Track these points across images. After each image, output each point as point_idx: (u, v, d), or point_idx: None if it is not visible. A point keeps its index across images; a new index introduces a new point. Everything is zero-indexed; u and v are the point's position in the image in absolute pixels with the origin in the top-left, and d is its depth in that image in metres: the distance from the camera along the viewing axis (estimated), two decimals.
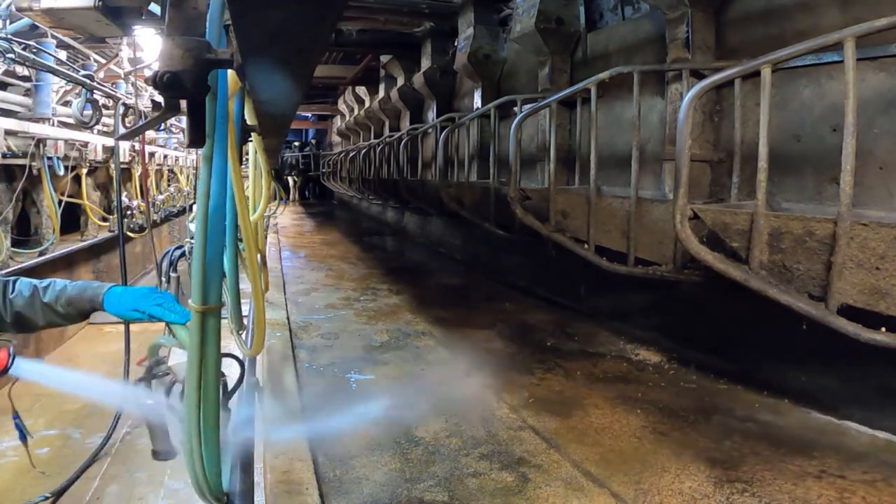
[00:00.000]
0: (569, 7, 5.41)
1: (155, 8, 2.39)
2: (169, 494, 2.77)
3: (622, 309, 4.96)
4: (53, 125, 6.44)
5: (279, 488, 2.40)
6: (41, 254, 5.79)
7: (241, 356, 1.84)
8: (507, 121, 5.45)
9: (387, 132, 11.21)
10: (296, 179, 24.59)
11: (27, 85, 5.98)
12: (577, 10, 5.41)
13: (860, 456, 2.72)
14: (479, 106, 6.93)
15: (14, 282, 1.58)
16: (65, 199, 6.69)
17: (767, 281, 2.60)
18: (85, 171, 8.14)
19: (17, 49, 3.84)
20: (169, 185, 11.06)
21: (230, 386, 1.74)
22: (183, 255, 3.18)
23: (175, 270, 2.21)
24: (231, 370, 1.75)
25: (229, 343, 1.83)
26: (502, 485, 2.57)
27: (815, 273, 2.45)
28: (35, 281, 1.59)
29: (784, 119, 3.30)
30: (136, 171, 8.67)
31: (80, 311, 1.60)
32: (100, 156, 8.57)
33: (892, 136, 2.80)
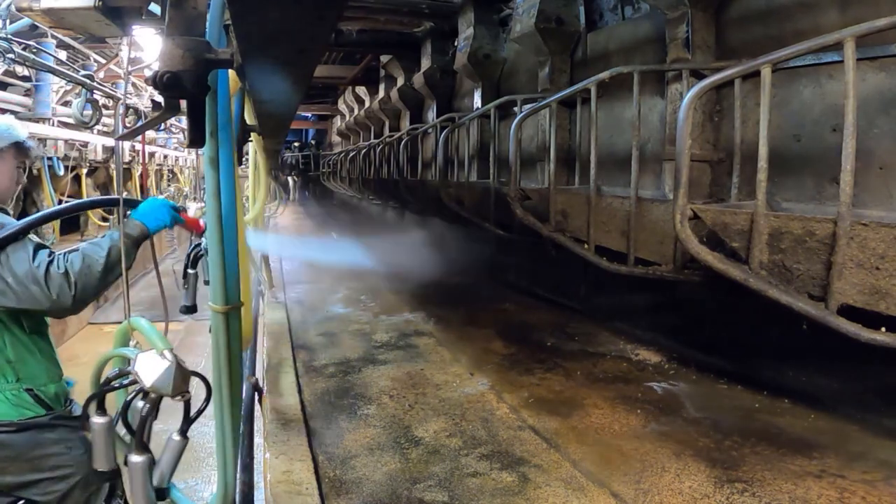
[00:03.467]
0: (569, 7, 5.41)
1: (155, 8, 2.39)
2: None
3: (622, 309, 4.95)
4: (53, 125, 6.44)
5: (279, 488, 2.40)
6: None
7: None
8: (507, 121, 5.44)
9: (387, 132, 11.19)
10: (296, 179, 24.53)
11: (27, 85, 5.98)
12: (577, 10, 5.40)
13: (860, 456, 2.72)
14: (479, 106, 6.92)
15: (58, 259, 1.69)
16: (65, 199, 6.70)
17: (767, 281, 2.60)
18: (85, 170, 8.14)
19: (17, 49, 3.84)
20: (169, 185, 11.05)
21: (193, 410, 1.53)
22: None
23: (194, 266, 2.16)
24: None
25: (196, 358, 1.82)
26: (502, 485, 2.57)
27: (815, 273, 2.44)
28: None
29: (784, 119, 3.30)
30: (136, 171, 8.67)
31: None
32: (100, 156, 8.57)
33: (892, 136, 2.80)
